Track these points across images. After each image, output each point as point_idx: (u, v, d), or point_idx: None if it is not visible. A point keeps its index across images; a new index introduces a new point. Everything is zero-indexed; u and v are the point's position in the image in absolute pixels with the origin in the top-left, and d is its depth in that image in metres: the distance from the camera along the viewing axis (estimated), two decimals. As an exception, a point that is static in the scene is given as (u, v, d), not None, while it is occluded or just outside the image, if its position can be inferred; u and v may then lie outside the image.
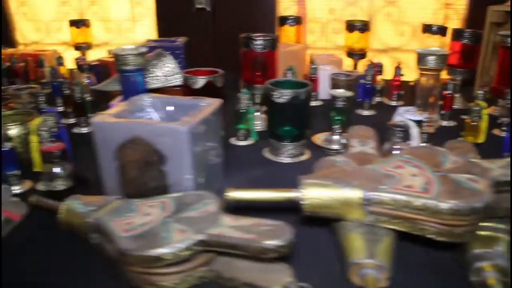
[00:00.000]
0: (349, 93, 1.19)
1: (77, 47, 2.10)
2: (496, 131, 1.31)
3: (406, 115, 1.04)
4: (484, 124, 1.18)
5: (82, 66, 1.51)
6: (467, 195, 0.67)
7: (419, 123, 1.04)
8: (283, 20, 1.91)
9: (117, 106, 0.88)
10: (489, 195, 0.67)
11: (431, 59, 1.15)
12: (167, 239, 0.64)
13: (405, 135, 0.97)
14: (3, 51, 1.97)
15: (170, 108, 0.93)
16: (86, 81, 1.48)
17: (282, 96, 1.06)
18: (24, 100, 1.24)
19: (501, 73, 1.52)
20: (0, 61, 1.57)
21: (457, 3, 1.97)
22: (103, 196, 0.78)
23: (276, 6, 2.02)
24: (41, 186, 0.93)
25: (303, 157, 1.14)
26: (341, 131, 1.20)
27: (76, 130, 1.30)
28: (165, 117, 0.93)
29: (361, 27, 1.85)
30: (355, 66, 1.90)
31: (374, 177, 0.75)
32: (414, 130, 1.00)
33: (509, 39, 1.46)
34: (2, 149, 0.90)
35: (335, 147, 1.19)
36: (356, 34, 1.85)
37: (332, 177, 0.73)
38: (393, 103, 1.63)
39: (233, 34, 2.05)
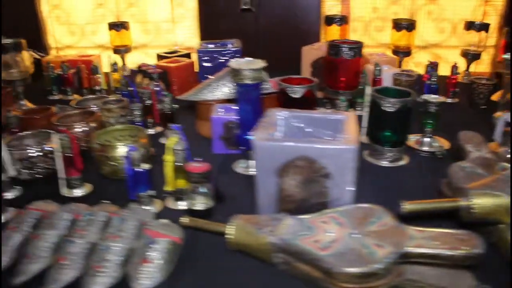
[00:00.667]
0: (441, 99, 1.22)
1: (116, 50, 2.07)
2: None
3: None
4: None
5: (147, 72, 1.49)
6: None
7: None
8: (330, 20, 1.92)
9: (261, 122, 0.89)
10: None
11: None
12: (374, 255, 0.66)
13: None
14: (45, 58, 1.94)
15: (300, 124, 0.95)
16: (155, 88, 1.47)
17: (393, 105, 1.08)
18: (114, 113, 1.23)
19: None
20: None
21: (496, 0, 2.01)
22: (265, 215, 0.80)
23: (321, 5, 2.03)
24: (178, 205, 0.94)
25: (402, 162, 1.17)
26: (431, 134, 1.24)
27: (163, 141, 1.29)
28: (296, 131, 0.95)
29: (408, 26, 1.88)
30: (400, 64, 1.93)
31: None
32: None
33: None
34: (138, 170, 0.90)
35: (427, 149, 1.23)
36: (403, 32, 1.88)
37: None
38: (449, 100, 1.68)
39: (276, 34, 2.08)
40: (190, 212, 0.90)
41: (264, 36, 2.07)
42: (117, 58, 2.06)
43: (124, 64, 2.09)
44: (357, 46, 1.25)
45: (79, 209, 0.88)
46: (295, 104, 1.19)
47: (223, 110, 1.22)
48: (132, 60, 2.21)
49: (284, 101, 1.20)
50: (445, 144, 1.25)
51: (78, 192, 1.03)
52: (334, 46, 1.26)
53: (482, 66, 2.01)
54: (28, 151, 1.07)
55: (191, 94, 1.29)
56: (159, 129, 1.38)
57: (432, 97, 1.22)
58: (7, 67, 1.56)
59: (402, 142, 1.16)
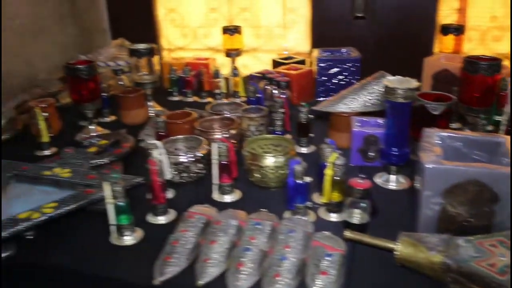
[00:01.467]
0: None
1: (228, 53, 2.14)
2: None
3: None
4: None
5: (276, 80, 1.54)
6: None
7: None
8: (446, 30, 1.89)
9: (426, 141, 0.91)
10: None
11: None
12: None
13: None
14: (165, 59, 2.05)
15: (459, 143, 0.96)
16: (281, 96, 1.52)
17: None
18: (256, 122, 1.29)
19: None
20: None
21: None
22: (432, 235, 0.82)
23: (437, 14, 2.00)
24: (331, 217, 0.98)
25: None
26: None
27: (296, 149, 1.34)
28: (453, 152, 0.96)
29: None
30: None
31: None
32: None
33: None
34: (299, 182, 0.95)
35: None
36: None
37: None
38: None
39: (390, 42, 2.07)
40: (346, 225, 0.93)
41: (378, 44, 2.07)
42: (228, 61, 2.14)
43: (235, 67, 2.16)
44: (496, 64, 1.23)
45: (241, 216, 0.94)
46: (432, 121, 1.20)
47: (361, 123, 1.24)
48: (242, 63, 2.28)
49: (422, 116, 1.20)
50: None
51: (228, 198, 1.10)
52: (472, 63, 1.25)
53: None
54: (181, 157, 1.14)
55: (327, 105, 1.33)
56: (289, 137, 1.43)
57: None
58: (139, 71, 1.67)
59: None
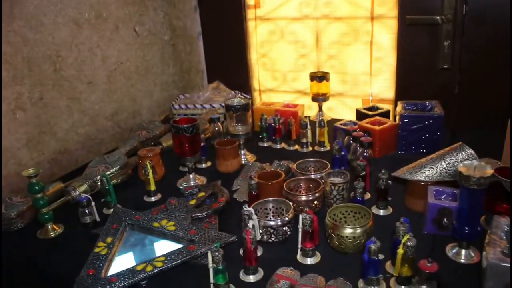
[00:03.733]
0: None
1: (314, 98, 2.28)
2: None
3: None
4: None
5: (359, 140, 1.64)
6: None
7: None
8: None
9: (491, 235, 0.99)
10: None
11: None
12: None
13: None
14: (257, 106, 2.22)
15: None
16: (365, 154, 1.63)
17: None
18: (337, 187, 1.41)
19: None
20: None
21: None
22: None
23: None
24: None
25: None
26: None
27: (374, 211, 1.45)
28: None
29: None
30: None
31: None
32: None
33: None
34: (373, 258, 1.06)
35: None
36: None
37: None
38: None
39: (476, 96, 2.10)
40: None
41: (461, 98, 2.11)
42: (314, 104, 2.28)
43: (321, 110, 2.30)
44: None
45: (321, 283, 1.08)
46: (508, 196, 1.26)
47: (436, 193, 1.33)
48: (328, 106, 2.41)
49: (497, 192, 1.27)
50: None
51: (310, 261, 1.23)
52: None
53: None
54: (271, 221, 1.30)
55: (405, 172, 1.42)
56: (367, 195, 1.53)
57: None
58: (233, 122, 1.85)
59: None
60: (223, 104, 2.00)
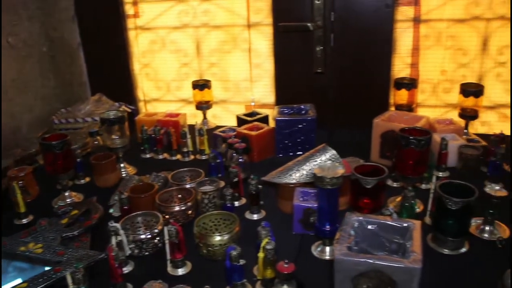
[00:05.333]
0: (503, 193, 1.33)
1: (198, 106, 2.29)
2: None
3: None
4: None
5: (233, 147, 1.67)
6: None
7: None
8: (399, 85, 2.04)
9: (340, 232, 1.05)
10: None
11: None
12: None
13: None
14: (139, 117, 2.18)
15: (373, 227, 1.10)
16: (240, 159, 1.66)
17: (455, 204, 1.21)
18: (208, 195, 1.42)
19: None
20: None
21: None
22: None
23: (392, 69, 2.15)
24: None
25: (463, 249, 1.29)
26: (493, 222, 1.35)
27: (248, 216, 1.48)
28: (369, 234, 1.10)
29: (475, 92, 1.96)
30: (466, 125, 2.02)
31: None
32: None
33: None
34: (235, 264, 1.08)
35: (487, 236, 1.34)
36: (471, 98, 1.97)
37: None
38: (515, 171, 1.75)
39: (348, 98, 2.22)
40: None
41: (337, 98, 2.21)
42: (198, 112, 2.29)
43: (205, 118, 2.31)
44: (425, 139, 1.36)
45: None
46: (367, 192, 1.34)
47: (303, 194, 1.38)
48: (213, 114, 2.43)
49: (357, 189, 1.35)
50: (506, 231, 1.35)
51: (181, 271, 1.23)
52: (403, 138, 1.38)
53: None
54: (140, 234, 1.28)
55: (274, 176, 1.47)
56: (243, 201, 1.56)
57: (495, 190, 1.32)
58: (110, 135, 1.80)
59: (464, 232, 1.28)
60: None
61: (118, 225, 1.24)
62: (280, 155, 1.90)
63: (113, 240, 1.19)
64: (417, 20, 2.10)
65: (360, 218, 1.11)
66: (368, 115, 1.83)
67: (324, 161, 1.43)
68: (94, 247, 1.32)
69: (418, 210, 1.48)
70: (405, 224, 1.08)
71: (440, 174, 1.72)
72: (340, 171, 1.16)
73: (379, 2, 2.05)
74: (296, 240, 1.35)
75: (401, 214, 1.36)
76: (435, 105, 2.23)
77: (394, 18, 2.08)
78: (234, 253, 1.08)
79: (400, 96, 2.08)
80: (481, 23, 2.06)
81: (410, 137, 1.37)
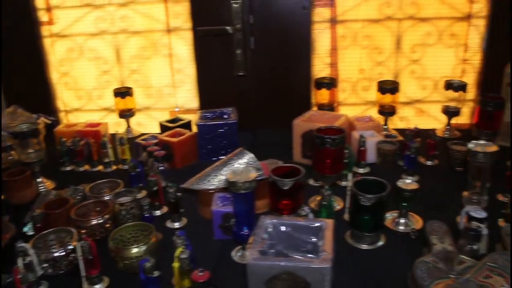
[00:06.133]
0: (414, 185, 1.37)
1: (121, 114, 2.23)
2: None
3: (471, 213, 1.23)
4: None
5: (153, 154, 1.64)
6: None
7: (483, 220, 1.23)
8: (320, 84, 2.08)
9: (253, 237, 1.05)
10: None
11: (482, 156, 1.34)
12: None
13: (477, 236, 1.17)
14: (58, 128, 2.10)
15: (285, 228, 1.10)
16: (160, 167, 1.63)
17: (368, 200, 1.24)
18: (126, 206, 1.39)
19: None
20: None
21: (473, 58, 2.17)
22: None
23: (311, 69, 2.19)
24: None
25: (380, 242, 1.33)
26: (406, 214, 1.40)
27: (169, 225, 1.45)
28: (284, 236, 1.10)
29: (392, 89, 2.04)
30: (386, 121, 2.09)
31: None
32: (485, 233, 1.19)
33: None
34: (150, 276, 1.06)
35: (403, 229, 1.38)
36: (387, 95, 2.04)
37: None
38: (429, 163, 1.83)
39: (269, 99, 2.23)
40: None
41: (260, 100, 2.23)
42: (122, 121, 2.23)
43: (128, 126, 2.25)
44: (340, 137, 1.39)
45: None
46: (285, 193, 1.35)
47: (221, 199, 1.38)
48: (137, 121, 2.38)
49: (275, 191, 1.35)
50: (419, 222, 1.40)
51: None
52: (319, 138, 1.41)
53: (463, 118, 2.17)
54: (53, 252, 1.22)
55: (193, 183, 1.45)
56: (165, 209, 1.54)
57: (406, 183, 1.37)
58: (25, 149, 1.72)
59: (379, 227, 1.31)
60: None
61: (26, 245, 1.18)
62: (204, 160, 1.88)
63: (20, 262, 1.13)
64: (333, 21, 2.15)
65: (274, 220, 1.12)
66: (291, 115, 1.86)
67: (242, 165, 1.43)
68: (5, 270, 1.26)
69: (338, 207, 1.52)
70: (317, 224, 1.10)
71: (361, 170, 1.77)
72: (253, 175, 1.16)
73: (296, 4, 2.08)
74: (217, 246, 1.34)
75: (320, 213, 1.39)
76: (355, 103, 2.29)
77: (311, 20, 2.12)
78: (148, 265, 1.06)
79: (321, 95, 2.12)
80: (394, 23, 2.14)
81: (325, 137, 1.40)
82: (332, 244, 1.01)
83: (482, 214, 1.23)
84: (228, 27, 2.09)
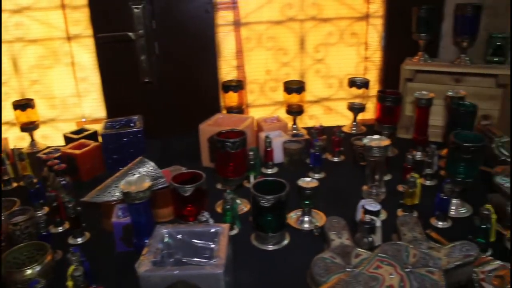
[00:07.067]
0: (314, 183, 1.41)
1: (23, 128, 2.12)
2: (421, 180, 1.63)
3: (366, 206, 1.27)
4: (418, 190, 1.46)
5: (53, 169, 1.57)
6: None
7: (378, 212, 1.28)
8: (227, 88, 2.08)
9: (147, 247, 1.02)
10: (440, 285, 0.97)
11: (376, 150, 1.39)
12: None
13: (371, 228, 1.22)
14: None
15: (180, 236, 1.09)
16: (62, 182, 1.56)
17: (267, 201, 1.25)
18: (20, 226, 1.31)
19: (418, 127, 1.83)
20: None
21: (373, 56, 2.26)
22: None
23: (218, 73, 2.18)
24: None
25: (285, 241, 1.35)
26: (310, 212, 1.43)
27: (71, 241, 1.39)
28: (180, 244, 1.09)
29: (297, 89, 2.07)
30: (294, 121, 2.13)
31: (366, 281, 0.99)
32: (378, 225, 1.24)
33: (423, 100, 1.77)
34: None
35: (307, 226, 1.41)
36: (294, 95, 2.08)
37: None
38: (335, 159, 1.88)
39: (178, 105, 2.21)
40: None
41: (167, 107, 2.20)
42: (25, 135, 2.12)
43: (32, 139, 2.15)
44: (239, 140, 1.40)
45: None
46: (188, 200, 1.34)
47: (123, 210, 1.34)
48: (42, 134, 2.27)
49: (177, 198, 1.33)
50: (323, 219, 1.43)
51: (-12, 315, 1.12)
52: (219, 142, 1.41)
53: (369, 114, 2.25)
54: None
55: (94, 196, 1.40)
56: (67, 225, 1.47)
57: (307, 182, 1.40)
58: None
59: (282, 226, 1.33)
60: None
61: None
62: (112, 171, 1.82)
63: None
64: (237, 24, 2.17)
65: (170, 229, 1.10)
66: (200, 120, 1.84)
67: (142, 174, 1.40)
68: None
69: (245, 210, 1.52)
70: (213, 229, 1.09)
71: (269, 171, 1.79)
72: (146, 184, 1.14)
73: (199, 8, 2.07)
74: (120, 259, 1.30)
75: (225, 216, 1.39)
76: (264, 104, 2.31)
77: (215, 23, 2.11)
78: (38, 286, 1.01)
79: (230, 98, 2.12)
80: (296, 24, 2.18)
81: (225, 140, 1.40)
82: (226, 249, 1.00)
83: (376, 207, 1.28)
84: (130, 33, 2.04)
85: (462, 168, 1.42)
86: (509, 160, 1.65)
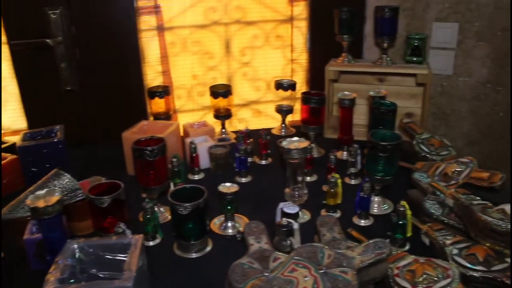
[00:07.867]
0: (235, 188, 1.40)
1: None
2: (346, 179, 1.69)
3: (285, 209, 1.29)
4: (339, 189, 1.49)
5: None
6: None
7: (296, 215, 1.29)
8: (152, 94, 2.05)
9: (54, 264, 0.99)
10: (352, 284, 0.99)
11: (295, 152, 1.40)
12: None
13: (289, 231, 1.23)
14: None
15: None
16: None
17: (185, 209, 1.23)
18: None
19: (342, 127, 1.87)
20: None
21: (300, 58, 2.29)
22: None
23: (144, 79, 2.15)
24: None
25: (208, 248, 1.34)
26: (233, 217, 1.43)
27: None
28: (93, 257, 1.06)
29: (224, 93, 2.07)
30: (223, 125, 2.12)
31: (280, 285, 0.99)
32: (296, 227, 1.25)
33: (346, 100, 1.81)
34: None
35: (231, 232, 1.41)
36: (221, 99, 2.07)
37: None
38: (263, 162, 1.89)
39: (103, 114, 2.15)
40: None
41: (92, 115, 2.14)
42: None
43: None
44: (158, 148, 1.38)
45: None
46: (106, 211, 1.30)
47: (35, 227, 1.29)
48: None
49: (95, 210, 1.30)
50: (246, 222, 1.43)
51: None
52: (136, 150, 1.38)
53: (298, 115, 2.27)
54: None
55: (6, 213, 1.34)
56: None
57: (227, 187, 1.39)
58: None
59: (203, 233, 1.32)
60: None
61: None
62: (31, 185, 1.75)
63: None
64: (161, 28, 2.14)
65: (81, 243, 1.07)
66: (126, 128, 1.80)
67: (53, 187, 1.35)
68: None
69: (169, 218, 1.50)
70: (126, 241, 1.07)
71: (196, 177, 1.77)
72: (55, 198, 1.10)
73: (120, 13, 2.03)
74: (37, 278, 1.25)
75: (146, 226, 1.36)
76: (192, 109, 2.30)
77: (137, 28, 2.07)
78: None
79: (157, 104, 2.09)
80: (221, 27, 2.18)
81: (142, 148, 1.37)
82: (137, 261, 0.98)
83: (295, 209, 1.29)
84: (48, 40, 1.97)
85: (381, 166, 1.46)
86: (429, 156, 1.71)
